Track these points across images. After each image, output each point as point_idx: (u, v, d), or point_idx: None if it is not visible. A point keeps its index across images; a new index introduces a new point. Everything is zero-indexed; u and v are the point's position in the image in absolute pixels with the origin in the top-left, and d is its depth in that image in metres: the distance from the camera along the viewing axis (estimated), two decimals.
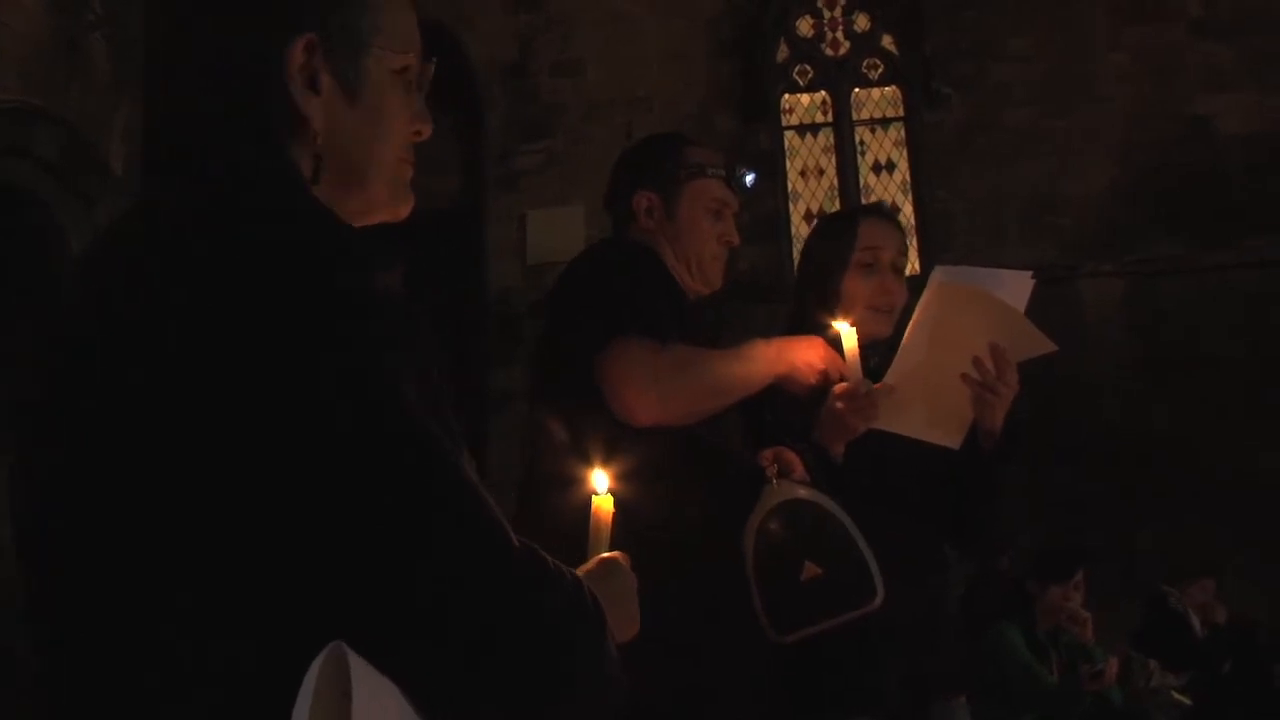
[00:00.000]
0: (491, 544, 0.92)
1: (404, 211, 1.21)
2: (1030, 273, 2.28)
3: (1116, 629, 5.39)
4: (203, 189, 1.02)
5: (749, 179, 2.37)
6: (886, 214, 2.75)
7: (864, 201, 7.87)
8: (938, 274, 2.18)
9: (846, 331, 2.10)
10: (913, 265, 7.28)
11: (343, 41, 1.10)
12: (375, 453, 0.89)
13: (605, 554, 1.28)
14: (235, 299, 0.91)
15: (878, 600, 2.00)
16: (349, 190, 1.13)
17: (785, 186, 8.06)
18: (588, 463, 1.41)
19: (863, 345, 2.13)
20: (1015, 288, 2.24)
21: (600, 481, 1.35)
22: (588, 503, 1.33)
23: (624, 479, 1.42)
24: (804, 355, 2.10)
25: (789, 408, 2.19)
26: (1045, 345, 2.16)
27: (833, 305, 2.30)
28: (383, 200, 1.17)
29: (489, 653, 0.90)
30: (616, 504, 1.36)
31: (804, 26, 8.26)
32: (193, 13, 1.10)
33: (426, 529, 0.90)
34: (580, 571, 1.12)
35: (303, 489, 0.88)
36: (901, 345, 2.19)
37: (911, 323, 2.18)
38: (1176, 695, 5.14)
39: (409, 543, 0.89)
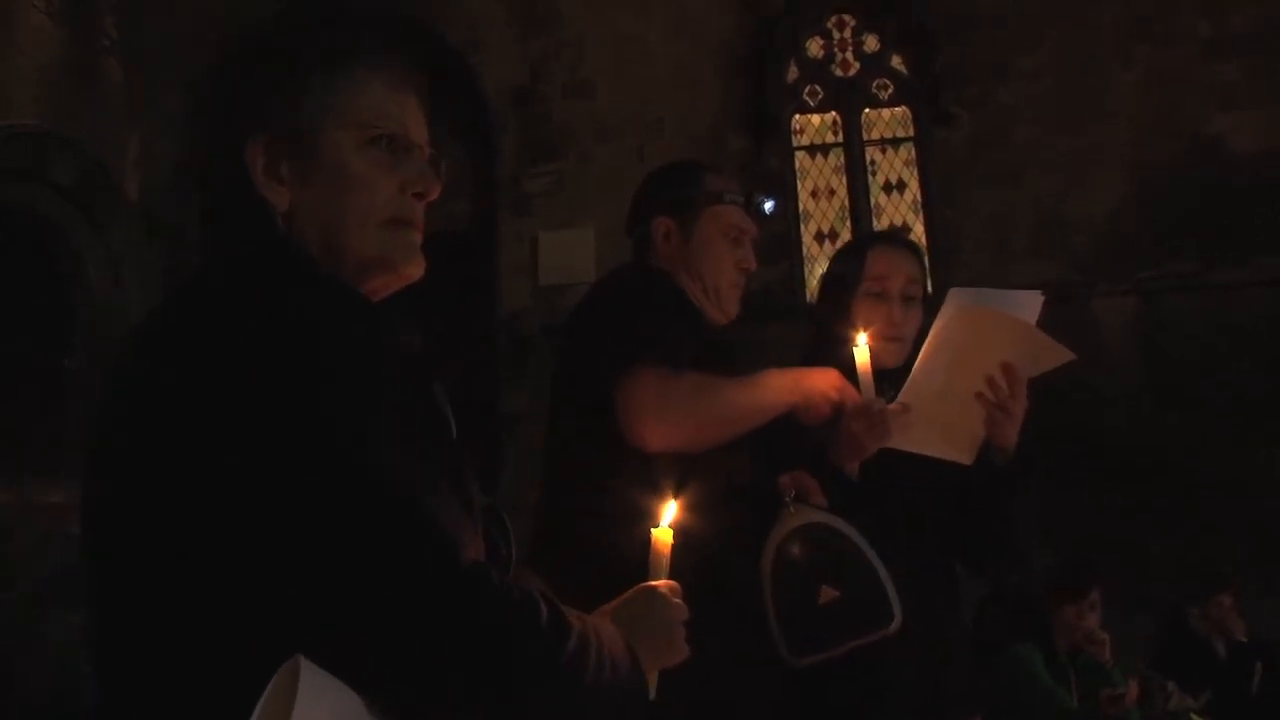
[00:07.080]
0: (435, 565, 1.05)
1: (413, 272, 1.32)
2: (1040, 292, 2.30)
3: (1127, 646, 5.34)
4: (214, 271, 1.24)
5: (768, 206, 2.35)
6: (899, 241, 2.71)
7: (875, 221, 7.89)
8: (954, 297, 2.20)
9: (860, 348, 2.10)
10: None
11: (294, 134, 1.27)
12: (339, 491, 1.05)
13: (648, 584, 1.31)
14: (233, 367, 1.08)
15: (895, 623, 2.00)
16: (334, 257, 1.26)
17: (796, 207, 8.07)
18: (598, 488, 1.42)
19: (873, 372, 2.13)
20: (1026, 307, 2.26)
21: (666, 514, 1.37)
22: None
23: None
24: (818, 385, 2.10)
25: (803, 433, 2.18)
26: (1064, 355, 2.18)
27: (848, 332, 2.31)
28: (373, 262, 1.28)
29: (429, 661, 1.03)
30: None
31: (814, 47, 8.27)
32: (201, 128, 1.29)
33: (376, 549, 1.03)
34: (618, 600, 1.27)
35: (282, 520, 1.04)
36: (916, 366, 2.20)
37: (927, 344, 2.19)
38: (1196, 717, 5.09)
39: (361, 560, 1.03)
